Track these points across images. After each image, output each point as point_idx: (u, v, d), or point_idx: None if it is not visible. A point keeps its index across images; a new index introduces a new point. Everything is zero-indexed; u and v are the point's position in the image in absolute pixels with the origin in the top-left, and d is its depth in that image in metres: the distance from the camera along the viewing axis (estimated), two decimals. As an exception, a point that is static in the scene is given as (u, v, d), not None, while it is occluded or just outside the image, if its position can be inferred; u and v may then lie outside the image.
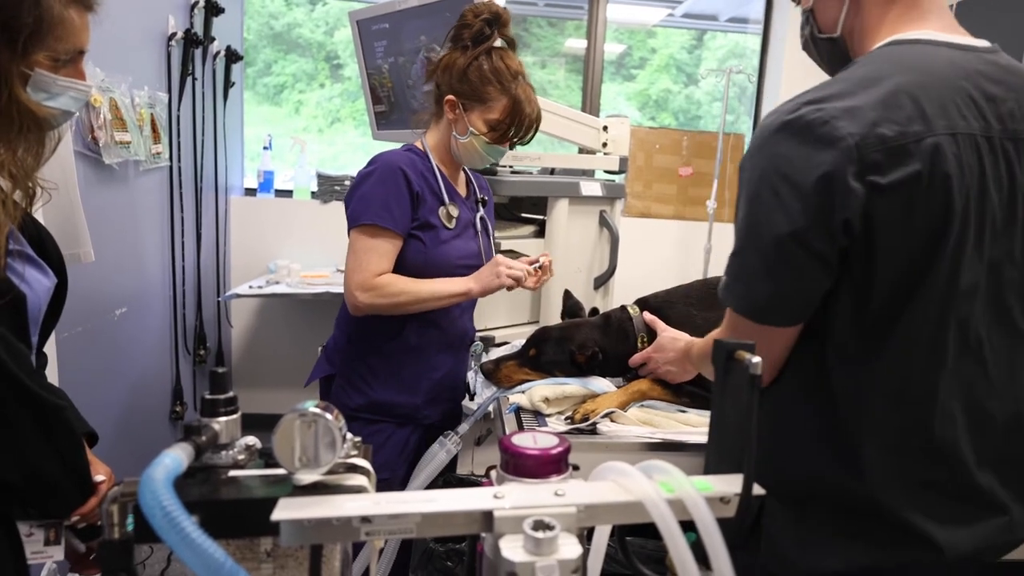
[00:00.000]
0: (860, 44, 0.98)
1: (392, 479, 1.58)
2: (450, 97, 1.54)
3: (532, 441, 0.62)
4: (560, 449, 0.62)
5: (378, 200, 1.49)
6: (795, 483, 0.96)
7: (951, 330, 0.89)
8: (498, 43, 1.55)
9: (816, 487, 0.95)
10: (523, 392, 1.50)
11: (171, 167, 2.65)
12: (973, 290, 0.89)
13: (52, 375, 1.58)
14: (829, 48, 1.03)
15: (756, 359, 0.56)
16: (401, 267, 1.53)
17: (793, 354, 0.95)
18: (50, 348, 1.58)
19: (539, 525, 0.48)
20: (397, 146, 1.64)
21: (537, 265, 1.59)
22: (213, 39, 2.93)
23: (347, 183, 3.62)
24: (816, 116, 0.84)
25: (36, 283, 0.93)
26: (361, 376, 1.61)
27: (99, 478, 1.07)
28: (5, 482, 0.85)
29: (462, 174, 1.72)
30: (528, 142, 1.64)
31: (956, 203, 0.84)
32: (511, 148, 1.64)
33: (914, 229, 0.85)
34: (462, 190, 1.69)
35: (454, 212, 1.59)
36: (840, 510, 0.94)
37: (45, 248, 0.98)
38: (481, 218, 1.69)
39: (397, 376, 1.61)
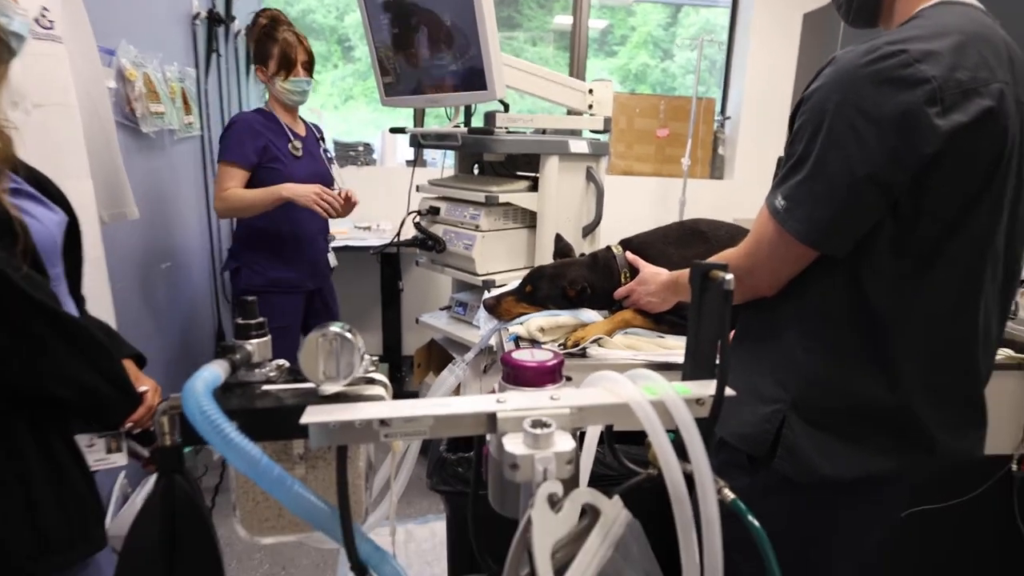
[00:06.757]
0: (904, 2, 0.93)
1: (289, 328, 2.13)
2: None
3: (530, 356, 0.62)
4: (555, 362, 0.61)
5: (234, 145, 2.02)
6: (827, 398, 0.93)
7: (988, 259, 0.88)
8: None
9: (847, 401, 0.92)
10: (521, 324, 1.50)
11: (202, 136, 2.59)
12: (1001, 226, 0.88)
13: (110, 321, 1.56)
14: (866, 1, 0.97)
15: (729, 276, 0.55)
16: (265, 186, 2.02)
17: (822, 279, 0.91)
18: (105, 297, 1.57)
19: (537, 423, 0.48)
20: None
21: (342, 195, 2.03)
22: (234, 18, 2.82)
23: (360, 148, 3.57)
24: (901, 58, 0.80)
25: (44, 217, 0.89)
26: (256, 262, 2.11)
27: (143, 388, 1.06)
28: (60, 399, 0.83)
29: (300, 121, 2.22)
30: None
31: (1008, 145, 0.83)
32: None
33: (978, 164, 0.83)
34: (301, 130, 2.20)
35: (298, 144, 2.12)
36: (865, 421, 0.92)
37: (46, 189, 0.94)
38: (325, 150, 2.27)
39: (280, 257, 2.13)
